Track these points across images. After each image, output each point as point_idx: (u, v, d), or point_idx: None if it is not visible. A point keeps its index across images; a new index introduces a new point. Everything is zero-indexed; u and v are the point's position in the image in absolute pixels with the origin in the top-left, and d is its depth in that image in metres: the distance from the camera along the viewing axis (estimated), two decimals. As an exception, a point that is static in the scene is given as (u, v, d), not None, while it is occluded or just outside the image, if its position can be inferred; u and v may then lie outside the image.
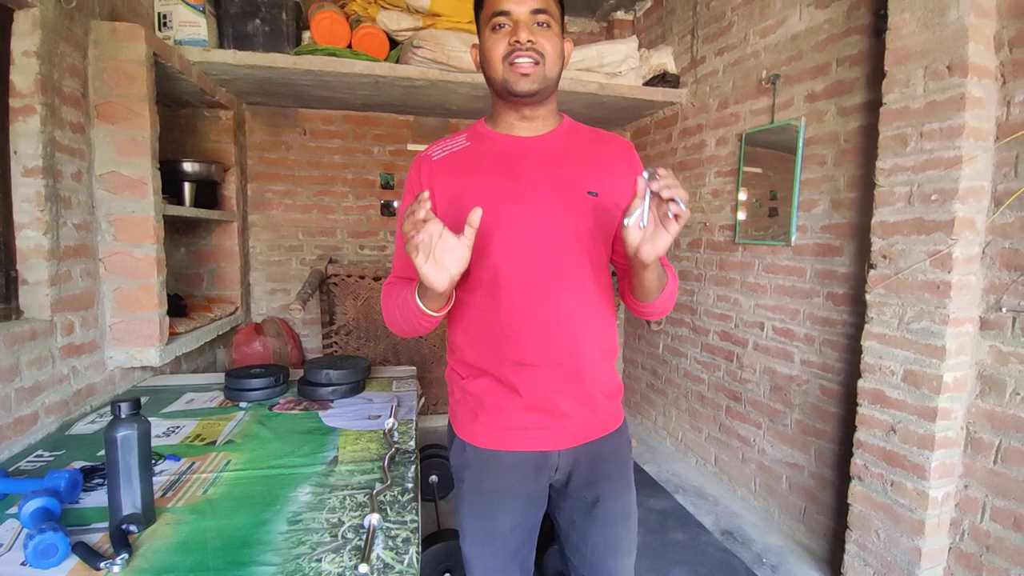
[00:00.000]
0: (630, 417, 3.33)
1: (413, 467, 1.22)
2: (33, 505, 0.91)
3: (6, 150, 1.38)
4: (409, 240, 0.76)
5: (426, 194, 0.75)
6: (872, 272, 1.61)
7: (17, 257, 1.41)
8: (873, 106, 1.65)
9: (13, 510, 0.98)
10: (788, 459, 2.10)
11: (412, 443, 1.35)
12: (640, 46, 2.74)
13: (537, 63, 0.89)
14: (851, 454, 1.69)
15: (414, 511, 1.03)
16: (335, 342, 2.89)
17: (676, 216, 0.74)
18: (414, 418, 1.52)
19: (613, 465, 1.02)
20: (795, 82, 2.01)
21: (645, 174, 0.75)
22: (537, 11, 0.89)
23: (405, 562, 0.87)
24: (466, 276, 0.91)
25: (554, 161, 0.95)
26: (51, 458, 1.24)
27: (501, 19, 0.89)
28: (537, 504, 1.02)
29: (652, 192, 0.75)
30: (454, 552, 1.63)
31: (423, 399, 1.79)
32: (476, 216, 0.79)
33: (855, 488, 1.68)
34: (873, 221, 1.60)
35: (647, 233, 0.78)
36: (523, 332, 0.93)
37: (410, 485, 1.13)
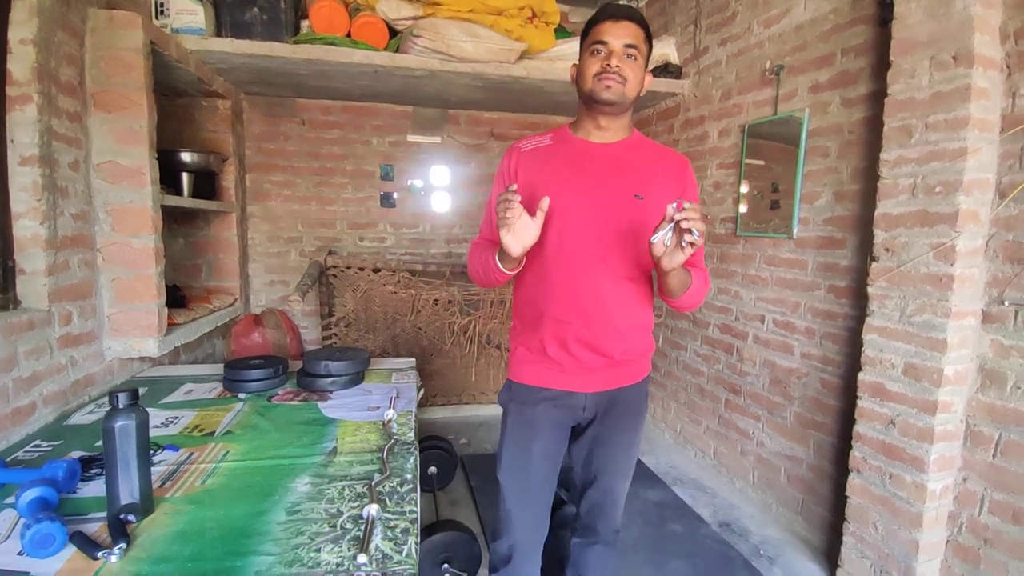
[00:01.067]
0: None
1: (412, 458, 1.22)
2: (30, 495, 0.91)
3: (3, 139, 1.36)
4: (502, 219, 1.01)
5: (515, 187, 1.01)
6: (874, 265, 1.60)
7: (15, 246, 1.40)
8: (878, 97, 1.63)
9: (10, 500, 0.98)
10: (787, 452, 2.10)
11: (411, 434, 1.35)
12: (642, 36, 2.71)
13: (620, 83, 1.11)
14: (850, 447, 1.69)
15: (413, 502, 1.03)
16: (334, 334, 2.89)
17: (691, 244, 0.94)
18: (413, 410, 1.52)
19: (627, 407, 1.26)
20: (799, 73, 1.99)
21: (675, 203, 0.93)
22: (629, 45, 1.11)
23: (404, 552, 0.87)
24: (551, 249, 1.16)
25: (614, 166, 1.17)
26: (49, 448, 1.24)
27: (599, 46, 1.11)
28: (563, 436, 1.26)
29: (676, 219, 0.92)
30: (453, 543, 1.63)
31: (422, 391, 1.79)
32: (545, 203, 1.03)
33: (853, 481, 1.68)
34: (876, 213, 1.59)
35: (668, 250, 0.98)
36: (562, 294, 1.17)
37: (409, 476, 1.13)
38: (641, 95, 1.18)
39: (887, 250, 1.56)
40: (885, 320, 1.57)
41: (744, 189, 2.29)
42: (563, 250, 1.16)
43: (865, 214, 1.72)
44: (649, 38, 1.15)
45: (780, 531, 2.07)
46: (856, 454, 1.67)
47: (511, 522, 1.25)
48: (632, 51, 1.11)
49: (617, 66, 1.09)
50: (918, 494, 1.50)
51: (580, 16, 3.28)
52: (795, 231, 2.01)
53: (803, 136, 1.95)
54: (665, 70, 2.65)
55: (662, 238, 0.95)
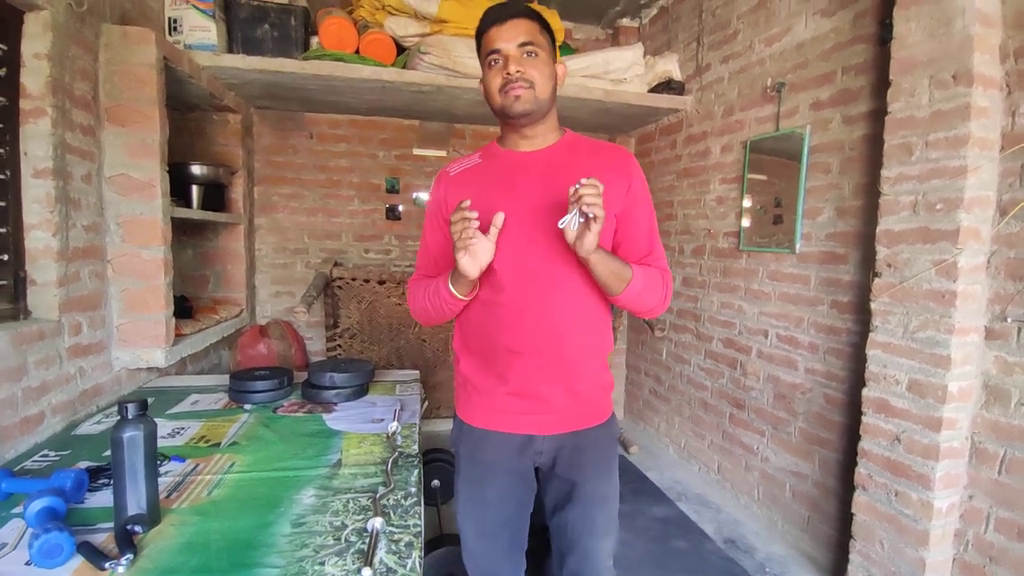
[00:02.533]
0: (632, 424, 3.32)
1: (416, 471, 1.22)
2: (38, 505, 0.92)
3: (16, 151, 1.39)
4: (461, 240, 0.96)
5: (468, 203, 0.96)
6: (877, 280, 1.61)
7: (26, 258, 1.42)
8: (878, 115, 1.65)
9: (18, 510, 0.99)
10: (792, 468, 2.09)
11: (415, 447, 1.36)
12: (645, 53, 2.75)
13: (527, 88, 1.02)
14: (855, 463, 1.69)
15: (417, 515, 1.03)
16: (339, 345, 2.90)
17: (594, 218, 0.90)
18: (417, 422, 1.53)
19: (595, 454, 1.13)
20: (800, 90, 2.02)
21: (576, 186, 0.90)
22: (523, 44, 1.02)
23: (408, 566, 0.87)
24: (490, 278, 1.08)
25: (549, 174, 1.07)
26: (57, 458, 1.25)
27: (494, 56, 1.04)
28: (523, 480, 1.15)
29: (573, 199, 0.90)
30: (457, 557, 1.62)
31: (426, 403, 1.79)
32: (499, 219, 0.99)
33: (859, 498, 1.67)
34: (878, 229, 1.60)
35: (576, 234, 0.94)
36: (514, 323, 1.07)
37: (413, 489, 1.13)
38: (559, 89, 1.08)
39: (889, 266, 1.57)
40: (889, 336, 1.58)
41: (747, 204, 2.30)
42: (508, 272, 1.05)
43: (867, 230, 1.73)
44: (546, 26, 1.06)
45: (785, 548, 2.06)
46: (861, 471, 1.66)
47: (473, 556, 1.19)
48: (529, 48, 1.02)
49: (518, 71, 1.00)
50: (924, 512, 1.49)
51: (584, 33, 3.34)
52: (798, 246, 2.02)
53: (805, 152, 1.97)
54: (668, 86, 2.68)
55: (568, 222, 0.91)
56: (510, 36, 1.02)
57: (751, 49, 2.27)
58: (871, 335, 1.63)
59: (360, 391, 1.71)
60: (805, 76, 2.00)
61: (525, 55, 1.02)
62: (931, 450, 1.47)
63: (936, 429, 1.46)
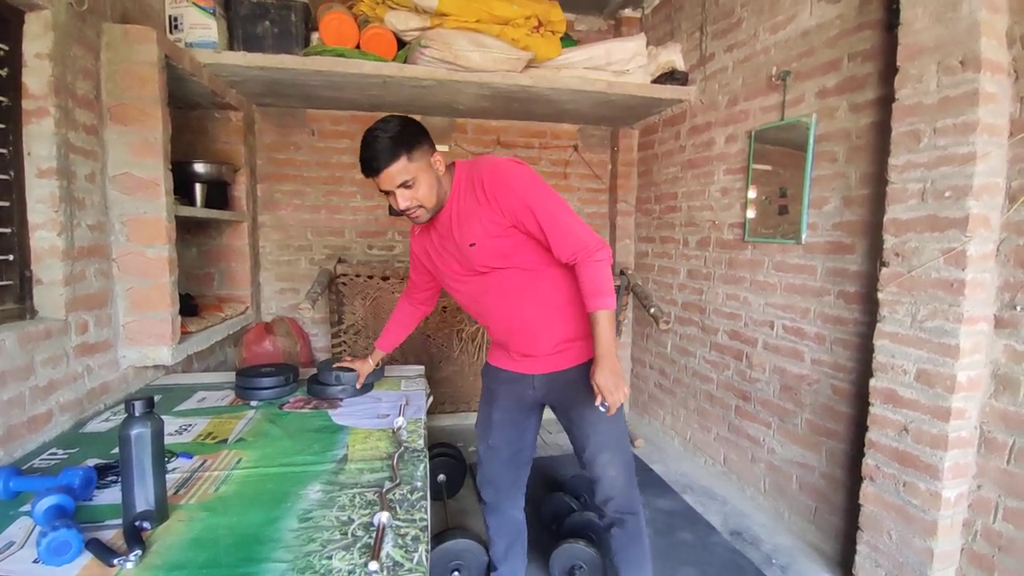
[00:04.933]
0: (638, 417, 3.32)
1: (422, 465, 1.22)
2: (47, 502, 0.92)
3: (20, 152, 1.39)
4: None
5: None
6: (884, 270, 1.59)
7: (32, 257, 1.43)
8: (885, 102, 1.63)
9: (26, 508, 0.99)
10: (798, 459, 2.08)
11: (421, 442, 1.36)
12: (648, 43, 2.72)
13: (420, 208, 1.29)
14: (863, 454, 1.68)
15: (423, 509, 1.03)
16: (344, 341, 2.91)
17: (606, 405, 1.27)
18: (423, 417, 1.53)
19: (579, 384, 1.37)
20: (806, 78, 1.99)
21: (600, 406, 1.27)
22: (401, 185, 1.25)
23: (414, 560, 0.87)
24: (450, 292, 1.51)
25: (450, 229, 1.35)
26: (65, 456, 1.26)
27: (383, 192, 1.28)
28: (520, 407, 1.49)
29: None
30: (462, 550, 1.63)
31: (431, 398, 1.79)
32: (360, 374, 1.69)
33: (867, 489, 1.66)
34: (885, 218, 1.58)
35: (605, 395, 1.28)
36: (485, 323, 1.50)
37: (419, 484, 1.13)
38: (441, 180, 1.31)
39: (897, 255, 1.56)
40: (896, 326, 1.56)
41: (752, 194, 2.28)
42: (461, 295, 1.46)
43: (874, 219, 1.71)
44: (409, 148, 1.23)
45: (792, 540, 2.05)
46: (869, 462, 1.66)
47: (482, 463, 1.57)
48: (407, 183, 1.24)
49: (407, 204, 1.27)
50: (933, 502, 1.48)
51: (586, 24, 3.31)
52: (804, 236, 2.00)
53: (811, 141, 1.95)
54: (671, 77, 2.65)
55: (604, 407, 1.28)
56: (387, 183, 1.24)
57: (755, 37, 2.25)
58: (879, 325, 1.61)
59: (365, 387, 1.72)
60: (811, 64, 1.97)
61: (406, 188, 1.25)
62: (939, 440, 1.46)
63: (945, 419, 1.44)
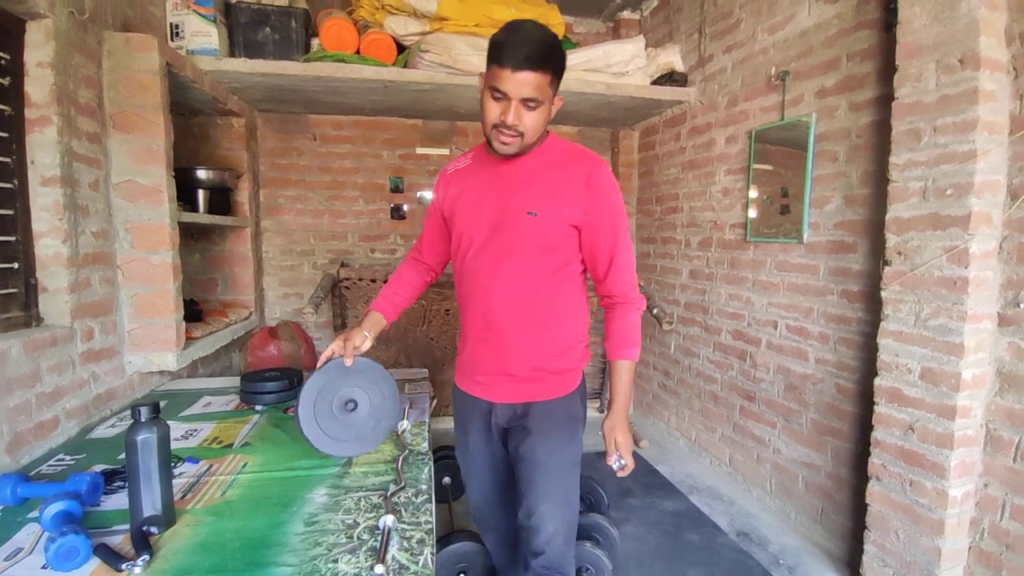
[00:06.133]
0: (642, 418, 3.31)
1: (427, 468, 1.22)
2: (55, 508, 0.93)
3: (23, 160, 1.40)
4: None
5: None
6: (887, 269, 1.59)
7: (37, 265, 1.44)
8: (885, 101, 1.63)
9: (34, 514, 1.00)
10: (804, 459, 2.07)
11: (425, 445, 1.36)
12: (647, 45, 2.73)
13: (516, 137, 1.10)
14: (868, 453, 1.67)
15: (428, 512, 1.03)
16: (347, 345, 2.91)
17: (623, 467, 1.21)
18: (427, 420, 1.53)
19: (539, 423, 1.24)
20: (805, 78, 2.00)
21: (615, 464, 1.21)
22: (527, 99, 1.06)
23: (420, 563, 0.88)
24: (458, 259, 1.28)
25: (514, 183, 1.17)
26: (72, 462, 1.27)
27: (498, 93, 1.06)
28: (490, 435, 1.33)
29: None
30: (468, 553, 1.63)
31: (435, 401, 1.79)
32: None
33: (873, 488, 1.66)
34: (887, 217, 1.58)
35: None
36: (470, 311, 1.27)
37: (424, 486, 1.13)
38: (552, 116, 1.14)
39: (900, 254, 1.55)
40: (900, 324, 1.56)
41: (753, 194, 2.28)
42: (466, 268, 1.25)
43: (876, 218, 1.71)
44: (556, 69, 1.07)
45: (799, 540, 2.05)
46: (875, 461, 1.65)
47: (468, 491, 1.46)
48: (532, 104, 1.06)
49: (514, 122, 1.07)
50: (939, 500, 1.47)
51: (585, 27, 3.32)
52: (806, 236, 2.00)
53: (811, 141, 1.96)
54: (670, 78, 2.66)
55: (618, 465, 1.22)
56: (517, 87, 1.04)
57: (754, 38, 2.25)
58: (882, 324, 1.61)
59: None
60: (809, 64, 1.98)
61: (526, 108, 1.07)
62: (945, 438, 1.45)
63: (950, 417, 1.44)
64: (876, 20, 1.72)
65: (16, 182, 1.38)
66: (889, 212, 1.58)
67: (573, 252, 1.21)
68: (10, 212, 1.37)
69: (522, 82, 1.03)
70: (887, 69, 1.63)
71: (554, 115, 1.14)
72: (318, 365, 1.23)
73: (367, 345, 1.26)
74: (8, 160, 1.36)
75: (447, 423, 3.07)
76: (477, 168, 1.24)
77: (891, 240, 1.58)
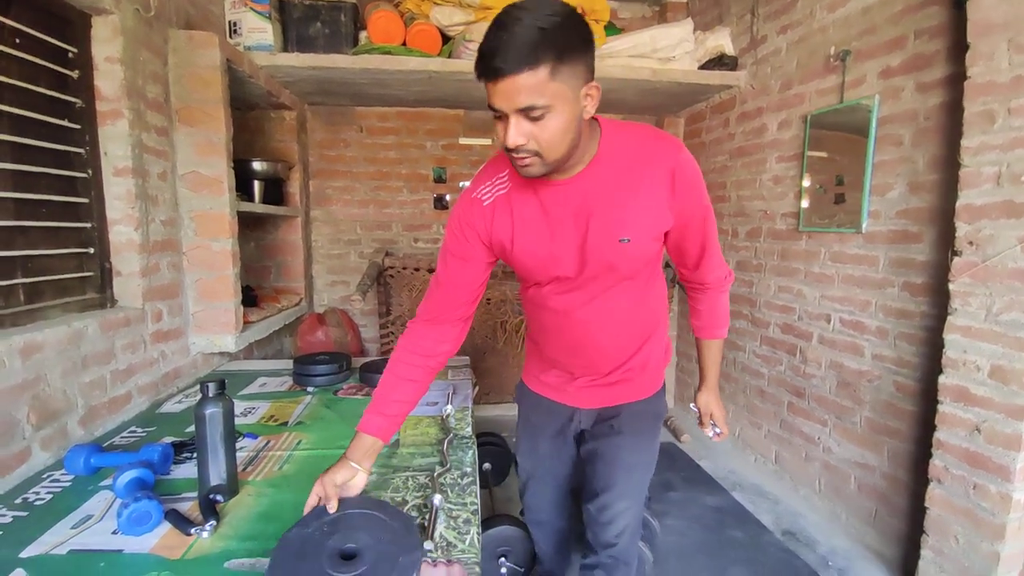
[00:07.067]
0: (684, 412, 3.26)
1: (471, 451, 1.25)
2: (129, 476, 0.99)
3: (97, 152, 1.49)
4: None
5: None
6: (956, 260, 1.50)
7: (111, 250, 1.54)
8: (955, 81, 1.53)
9: (105, 483, 1.07)
10: (857, 459, 1.99)
11: (469, 429, 1.39)
12: (695, 28, 2.64)
13: (532, 158, 0.85)
14: (929, 455, 1.59)
15: (473, 494, 1.06)
16: (391, 332, 2.99)
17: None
18: (470, 405, 1.56)
19: (626, 424, 1.20)
20: (867, 58, 1.89)
21: (710, 433, 1.30)
22: (523, 109, 0.79)
23: (467, 541, 0.90)
24: (533, 289, 1.14)
25: (584, 207, 0.95)
26: (144, 434, 1.36)
27: (495, 113, 0.83)
28: (564, 438, 1.30)
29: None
30: (510, 537, 1.66)
31: (477, 387, 1.82)
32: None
33: (933, 491, 1.58)
34: (958, 204, 1.49)
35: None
36: (546, 336, 1.20)
37: (469, 469, 1.16)
38: (591, 111, 0.87)
39: (971, 244, 1.46)
40: (969, 319, 1.47)
41: (806, 183, 2.19)
42: (545, 300, 1.10)
43: (944, 205, 1.61)
44: (559, 54, 0.77)
45: (850, 542, 1.97)
46: (937, 463, 1.57)
47: (526, 490, 1.40)
48: (535, 112, 0.79)
49: (519, 144, 0.82)
50: (1002, 504, 1.39)
51: (630, 12, 3.25)
52: (864, 225, 1.91)
53: (873, 124, 1.85)
54: (719, 62, 2.57)
55: (713, 432, 1.31)
56: (506, 99, 0.79)
57: (812, 17, 2.15)
58: (949, 318, 1.52)
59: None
60: (873, 42, 1.87)
61: (528, 120, 0.81)
62: (1013, 440, 1.37)
63: (1020, 418, 1.35)
64: (948, -5, 1.60)
65: (90, 172, 1.48)
66: (960, 199, 1.48)
67: (658, 253, 1.07)
68: (85, 200, 1.46)
69: (508, 91, 0.78)
70: (956, 48, 1.52)
71: (593, 108, 0.87)
72: (304, 510, 0.92)
73: (360, 480, 0.97)
74: (82, 151, 1.45)
75: (488, 411, 3.12)
76: (523, 193, 0.98)
77: (961, 229, 1.48)
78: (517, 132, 0.81)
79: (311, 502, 0.92)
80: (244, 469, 1.14)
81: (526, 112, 0.80)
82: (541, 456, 1.33)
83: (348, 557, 0.78)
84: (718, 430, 1.29)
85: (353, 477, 0.96)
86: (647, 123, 3.31)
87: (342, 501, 0.92)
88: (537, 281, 1.08)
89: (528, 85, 0.77)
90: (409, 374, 1.05)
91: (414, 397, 1.06)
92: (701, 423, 1.31)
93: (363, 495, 0.97)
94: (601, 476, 1.21)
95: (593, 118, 0.94)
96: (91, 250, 1.49)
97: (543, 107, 0.79)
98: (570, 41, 0.79)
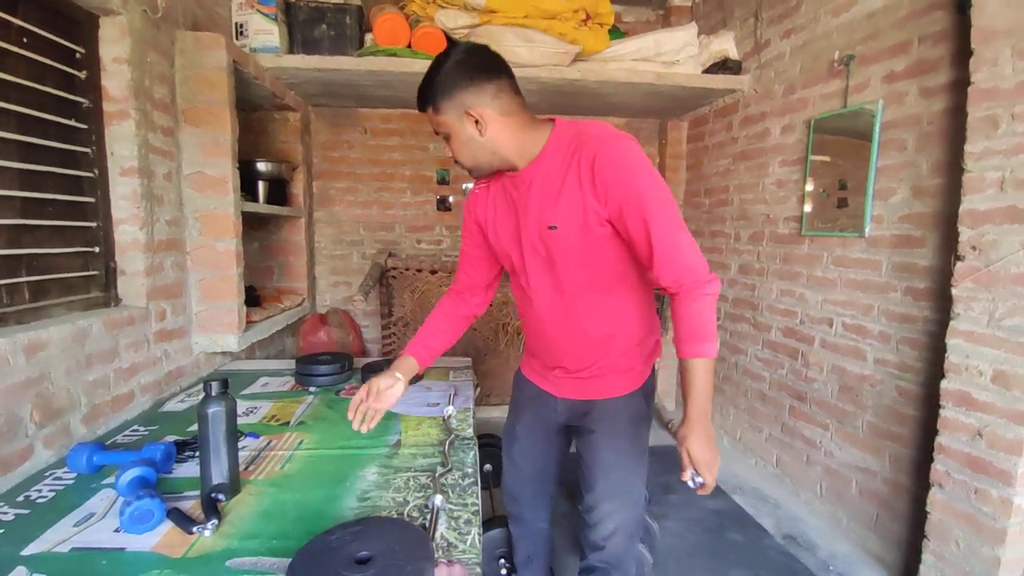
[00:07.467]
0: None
1: (472, 452, 1.25)
2: (131, 474, 0.99)
3: (103, 151, 1.50)
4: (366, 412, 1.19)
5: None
6: (959, 264, 1.50)
7: (116, 249, 1.55)
8: (959, 86, 1.53)
9: (107, 481, 1.07)
10: (859, 463, 1.99)
11: (470, 430, 1.39)
12: (699, 33, 2.65)
13: (463, 165, 1.12)
14: (930, 459, 1.59)
15: (474, 494, 1.06)
16: (393, 333, 2.99)
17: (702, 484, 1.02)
18: (471, 406, 1.56)
19: (603, 423, 1.23)
20: (872, 62, 1.89)
21: (692, 483, 1.01)
22: (438, 133, 1.10)
23: (468, 542, 0.90)
24: (512, 277, 1.26)
25: (526, 199, 1.11)
26: (146, 432, 1.36)
27: None
28: (544, 427, 1.34)
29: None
30: (510, 538, 1.66)
31: (478, 389, 1.82)
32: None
33: (935, 496, 1.58)
34: (961, 209, 1.49)
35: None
36: (531, 325, 1.27)
37: (470, 470, 1.16)
38: (485, 135, 1.05)
39: (974, 248, 1.46)
40: (972, 324, 1.47)
41: (809, 187, 2.19)
42: (515, 287, 1.25)
43: (947, 210, 1.61)
44: (435, 103, 1.04)
45: (851, 547, 1.97)
46: (938, 467, 1.57)
47: (504, 474, 1.46)
48: (446, 136, 1.08)
49: (452, 156, 1.11)
50: (1003, 509, 1.39)
51: (634, 16, 3.26)
52: (867, 229, 1.91)
53: (876, 129, 1.85)
54: (723, 66, 2.58)
55: (694, 484, 1.03)
56: (432, 125, 1.09)
57: (815, 21, 2.15)
58: (952, 323, 1.52)
59: (416, 376, 1.76)
60: (877, 47, 1.87)
61: (446, 141, 1.10)
62: (1015, 445, 1.36)
63: (1022, 423, 1.35)
64: (948, 1, 1.61)
65: (96, 171, 1.48)
66: (963, 204, 1.48)
67: (618, 248, 1.08)
68: (91, 200, 1.47)
69: (429, 121, 1.09)
70: (960, 53, 1.52)
71: (487, 129, 1.04)
72: (348, 411, 1.17)
73: (399, 389, 1.20)
74: (89, 151, 1.46)
75: (489, 412, 3.12)
76: (498, 185, 1.18)
77: (964, 234, 1.48)
78: (446, 148, 1.12)
79: (358, 396, 1.18)
80: (246, 468, 1.14)
81: (441, 135, 1.10)
82: (517, 436, 1.39)
83: (362, 562, 0.82)
84: (700, 480, 1.00)
85: (393, 385, 1.20)
86: (650, 125, 3.32)
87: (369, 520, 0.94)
88: (511, 268, 1.23)
89: (431, 119, 1.08)
90: (446, 320, 1.32)
91: (450, 337, 1.32)
92: (681, 468, 1.02)
93: (395, 518, 0.97)
94: (585, 477, 1.27)
95: (550, 118, 1.12)
96: (96, 249, 1.50)
97: (444, 133, 1.08)
98: (447, 85, 1.02)
